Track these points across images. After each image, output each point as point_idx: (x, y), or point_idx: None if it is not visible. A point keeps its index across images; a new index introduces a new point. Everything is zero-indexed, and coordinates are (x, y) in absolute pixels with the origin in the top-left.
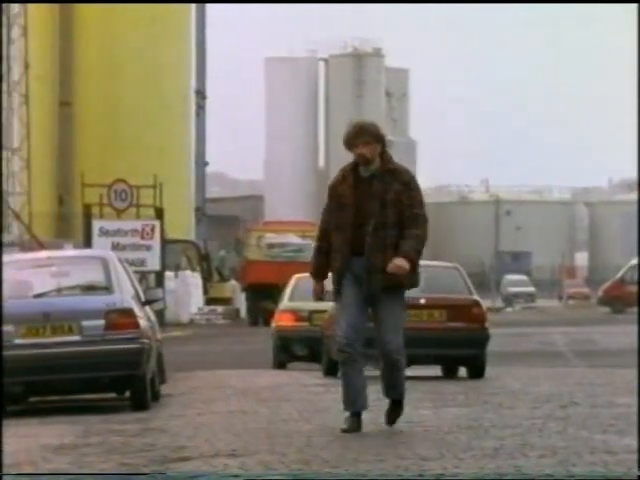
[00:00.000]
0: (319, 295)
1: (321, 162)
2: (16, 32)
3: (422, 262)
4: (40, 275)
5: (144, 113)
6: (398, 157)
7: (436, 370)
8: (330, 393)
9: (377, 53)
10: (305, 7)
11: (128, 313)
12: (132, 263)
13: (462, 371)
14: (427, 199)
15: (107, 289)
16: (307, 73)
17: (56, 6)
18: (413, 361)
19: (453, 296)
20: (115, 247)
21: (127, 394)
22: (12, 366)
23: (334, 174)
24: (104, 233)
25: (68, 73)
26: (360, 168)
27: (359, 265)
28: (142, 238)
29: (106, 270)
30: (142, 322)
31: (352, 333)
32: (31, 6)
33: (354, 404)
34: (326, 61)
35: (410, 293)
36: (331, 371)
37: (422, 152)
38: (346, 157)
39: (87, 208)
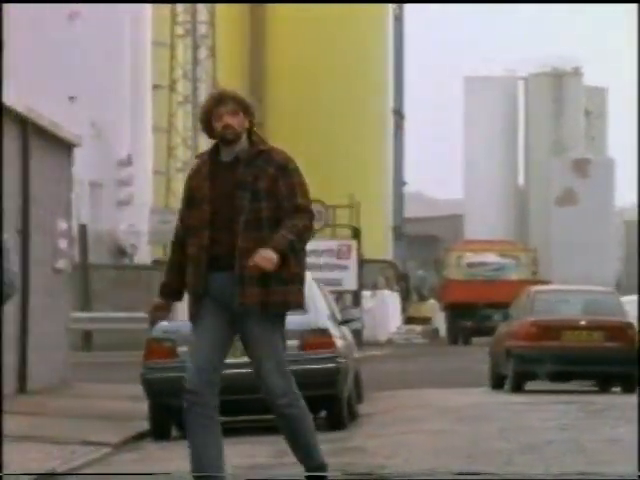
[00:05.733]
0: (155, 316)
1: (520, 181)
2: (203, 53)
3: (583, 287)
4: None
5: (340, 132)
6: (597, 175)
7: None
8: (531, 411)
9: (576, 72)
10: (503, 26)
11: (324, 333)
12: (328, 283)
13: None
14: (626, 217)
15: (302, 309)
16: (506, 92)
17: (246, 27)
18: (572, 377)
19: (610, 318)
20: (310, 267)
21: (323, 414)
22: None
23: (534, 193)
24: None
25: (259, 93)
26: (222, 150)
27: (220, 282)
28: (338, 258)
29: None
30: (338, 342)
31: (201, 380)
32: (220, 27)
33: (201, 469)
34: (525, 80)
35: (570, 314)
36: (499, 385)
37: (621, 171)
38: (546, 174)
39: None
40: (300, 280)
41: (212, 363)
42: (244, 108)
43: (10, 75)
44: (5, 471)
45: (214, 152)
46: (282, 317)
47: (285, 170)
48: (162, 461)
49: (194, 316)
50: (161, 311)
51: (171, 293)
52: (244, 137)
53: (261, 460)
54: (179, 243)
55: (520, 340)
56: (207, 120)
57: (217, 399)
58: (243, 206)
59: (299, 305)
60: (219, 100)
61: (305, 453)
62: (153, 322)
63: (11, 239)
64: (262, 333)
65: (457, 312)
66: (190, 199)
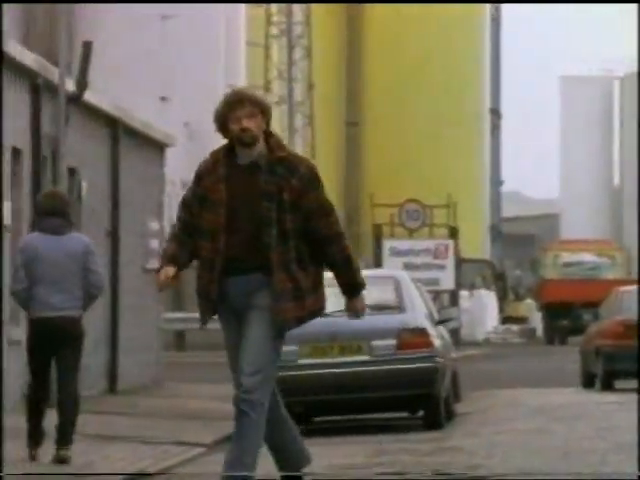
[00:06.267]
0: (166, 282)
1: (616, 180)
2: (298, 53)
3: None
4: (328, 295)
5: (437, 132)
6: None
7: None
8: (622, 410)
9: None
10: (600, 25)
11: (421, 332)
12: (425, 282)
13: None
14: None
15: (399, 309)
16: (602, 91)
17: (342, 27)
18: None
19: None
20: (407, 267)
21: (420, 413)
22: (295, 386)
23: (629, 192)
24: (395, 253)
25: (354, 93)
26: (238, 152)
27: (234, 288)
28: (435, 257)
29: (398, 290)
30: (435, 341)
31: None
32: (315, 27)
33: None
34: (621, 79)
35: None
36: (589, 384)
37: None
38: None
39: (377, 228)
40: (320, 286)
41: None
42: (262, 110)
43: (103, 75)
44: (94, 470)
45: (229, 153)
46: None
47: (312, 182)
48: None
49: (205, 321)
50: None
51: (169, 259)
52: (262, 140)
53: (359, 460)
54: (187, 233)
55: (608, 339)
56: (223, 122)
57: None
58: (271, 218)
59: (322, 311)
60: (236, 102)
61: (234, 457)
62: (161, 288)
63: (93, 242)
64: (265, 337)
65: (553, 312)
66: (203, 199)
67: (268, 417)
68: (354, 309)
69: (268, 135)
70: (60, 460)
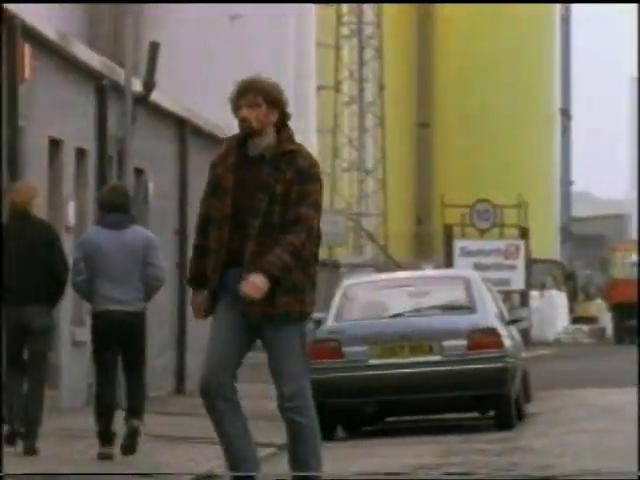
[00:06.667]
0: (200, 311)
1: None
2: (369, 54)
3: None
4: (397, 295)
5: (508, 132)
6: None
7: None
8: None
9: None
10: None
11: (492, 332)
12: (496, 283)
13: None
14: None
15: (470, 309)
16: None
17: (413, 27)
18: None
19: None
20: (477, 267)
21: (491, 413)
22: (366, 386)
23: None
24: (466, 253)
25: (425, 93)
26: (249, 143)
27: (235, 278)
28: (506, 258)
29: (468, 290)
30: (506, 341)
31: (214, 374)
32: (386, 28)
33: (237, 467)
34: None
35: None
36: None
37: None
38: None
39: (448, 228)
40: (303, 289)
41: (226, 357)
42: (270, 100)
43: (170, 76)
44: (162, 471)
45: (242, 142)
46: (298, 323)
47: (304, 176)
48: (327, 462)
49: (208, 311)
50: (202, 304)
51: (199, 282)
52: (271, 132)
53: (428, 460)
54: (203, 229)
55: None
56: (234, 107)
57: (235, 393)
58: (259, 209)
59: (303, 316)
60: (242, 90)
61: (296, 460)
62: (204, 315)
63: (157, 237)
64: (275, 338)
65: (623, 311)
66: (215, 187)
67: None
68: (244, 285)
69: (281, 127)
70: (130, 433)
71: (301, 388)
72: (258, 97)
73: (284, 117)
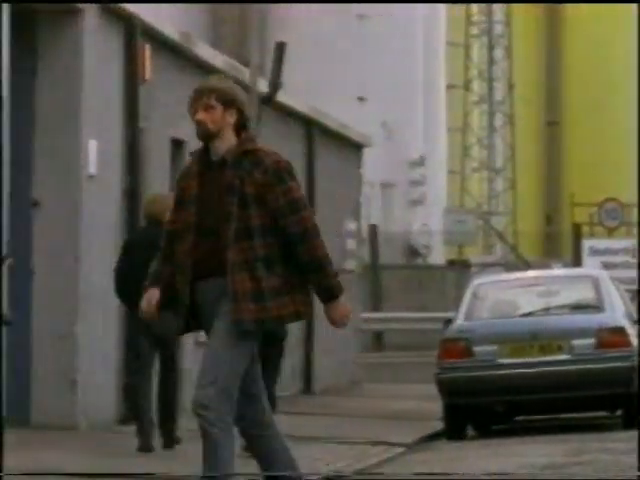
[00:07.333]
0: (148, 309)
1: None
2: (499, 53)
3: None
4: (527, 295)
5: (634, 129)
6: None
7: None
8: None
9: None
10: None
11: (620, 331)
12: (624, 281)
13: None
14: None
15: (598, 308)
16: None
17: (542, 26)
18: None
19: None
20: (605, 266)
21: (619, 412)
22: (496, 386)
23: None
24: (594, 252)
25: (554, 92)
26: (211, 148)
27: (204, 290)
28: (634, 256)
29: (597, 289)
30: (634, 340)
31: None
32: (516, 27)
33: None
34: None
35: None
36: None
37: None
38: None
39: (577, 227)
40: (294, 290)
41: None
42: (225, 101)
43: (297, 76)
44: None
45: (205, 150)
46: (252, 334)
47: (278, 173)
48: (456, 461)
49: (182, 330)
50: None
51: (155, 281)
52: (230, 135)
53: (557, 459)
54: (166, 254)
55: None
56: (191, 113)
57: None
58: (230, 212)
59: (294, 319)
60: (196, 93)
61: (208, 466)
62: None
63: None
64: (224, 343)
65: None
66: (180, 200)
67: (260, 433)
68: (330, 318)
69: (240, 129)
70: None
71: (217, 395)
72: (212, 99)
73: (243, 118)
